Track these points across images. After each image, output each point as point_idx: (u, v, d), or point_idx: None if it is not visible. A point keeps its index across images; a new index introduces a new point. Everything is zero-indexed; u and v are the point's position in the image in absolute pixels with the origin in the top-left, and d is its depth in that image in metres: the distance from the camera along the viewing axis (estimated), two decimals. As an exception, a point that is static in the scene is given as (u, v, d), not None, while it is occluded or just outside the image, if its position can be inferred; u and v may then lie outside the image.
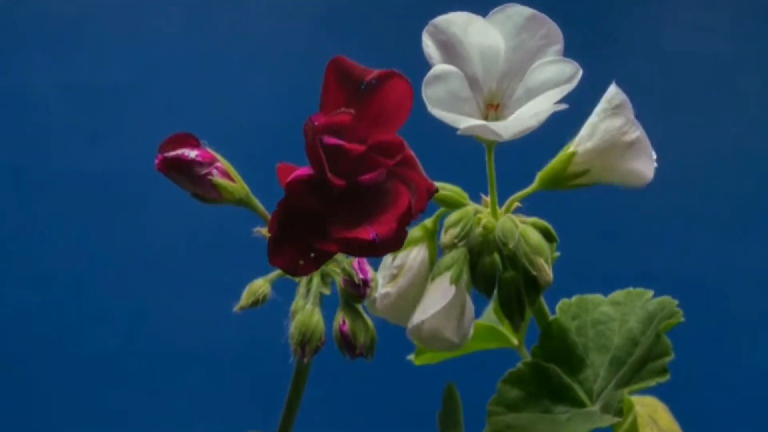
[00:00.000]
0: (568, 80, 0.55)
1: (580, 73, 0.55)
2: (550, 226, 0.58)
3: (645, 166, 0.58)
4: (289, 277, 0.60)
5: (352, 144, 0.52)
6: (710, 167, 1.44)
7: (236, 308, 0.60)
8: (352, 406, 1.36)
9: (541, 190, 0.59)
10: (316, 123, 0.52)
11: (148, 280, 1.39)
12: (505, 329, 0.71)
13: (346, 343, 0.60)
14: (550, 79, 0.55)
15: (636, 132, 0.58)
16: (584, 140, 0.58)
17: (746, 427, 1.37)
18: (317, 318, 0.60)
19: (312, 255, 0.51)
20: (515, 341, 0.71)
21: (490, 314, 0.71)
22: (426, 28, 0.57)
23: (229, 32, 1.46)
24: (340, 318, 0.60)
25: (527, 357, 0.69)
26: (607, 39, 1.49)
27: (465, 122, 0.54)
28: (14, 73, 1.42)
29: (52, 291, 1.39)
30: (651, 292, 0.60)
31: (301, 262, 0.52)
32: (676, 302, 0.59)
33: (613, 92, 0.59)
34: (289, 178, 0.52)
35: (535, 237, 0.56)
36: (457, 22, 0.57)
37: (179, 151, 0.58)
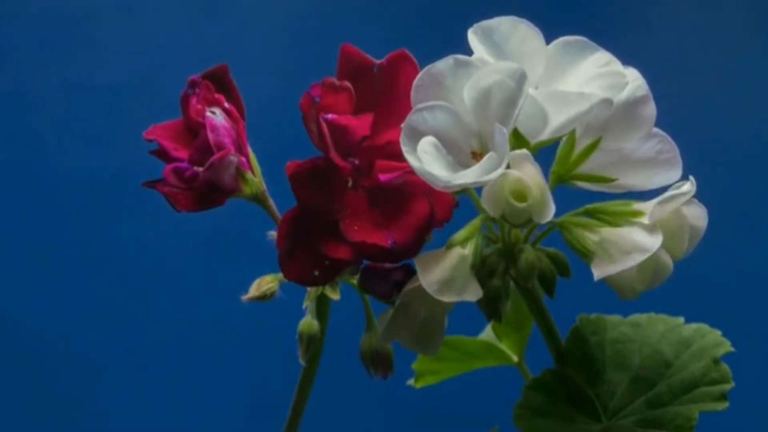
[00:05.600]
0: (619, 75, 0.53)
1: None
2: (567, 261, 0.55)
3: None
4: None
5: (358, 120, 0.52)
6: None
7: (244, 298, 0.59)
8: (356, 416, 1.36)
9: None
10: (318, 99, 0.52)
11: (148, 280, 1.38)
12: (505, 346, 0.70)
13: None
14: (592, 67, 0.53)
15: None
16: None
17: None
18: None
19: (327, 263, 0.50)
20: (515, 358, 0.70)
21: (489, 332, 0.71)
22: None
23: (231, 31, 1.46)
24: None
25: (528, 374, 0.69)
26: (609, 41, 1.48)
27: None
28: (14, 73, 1.42)
29: (52, 291, 1.38)
30: (681, 319, 0.61)
31: (317, 273, 0.51)
32: (719, 332, 0.59)
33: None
34: (294, 167, 0.51)
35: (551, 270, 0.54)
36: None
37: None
